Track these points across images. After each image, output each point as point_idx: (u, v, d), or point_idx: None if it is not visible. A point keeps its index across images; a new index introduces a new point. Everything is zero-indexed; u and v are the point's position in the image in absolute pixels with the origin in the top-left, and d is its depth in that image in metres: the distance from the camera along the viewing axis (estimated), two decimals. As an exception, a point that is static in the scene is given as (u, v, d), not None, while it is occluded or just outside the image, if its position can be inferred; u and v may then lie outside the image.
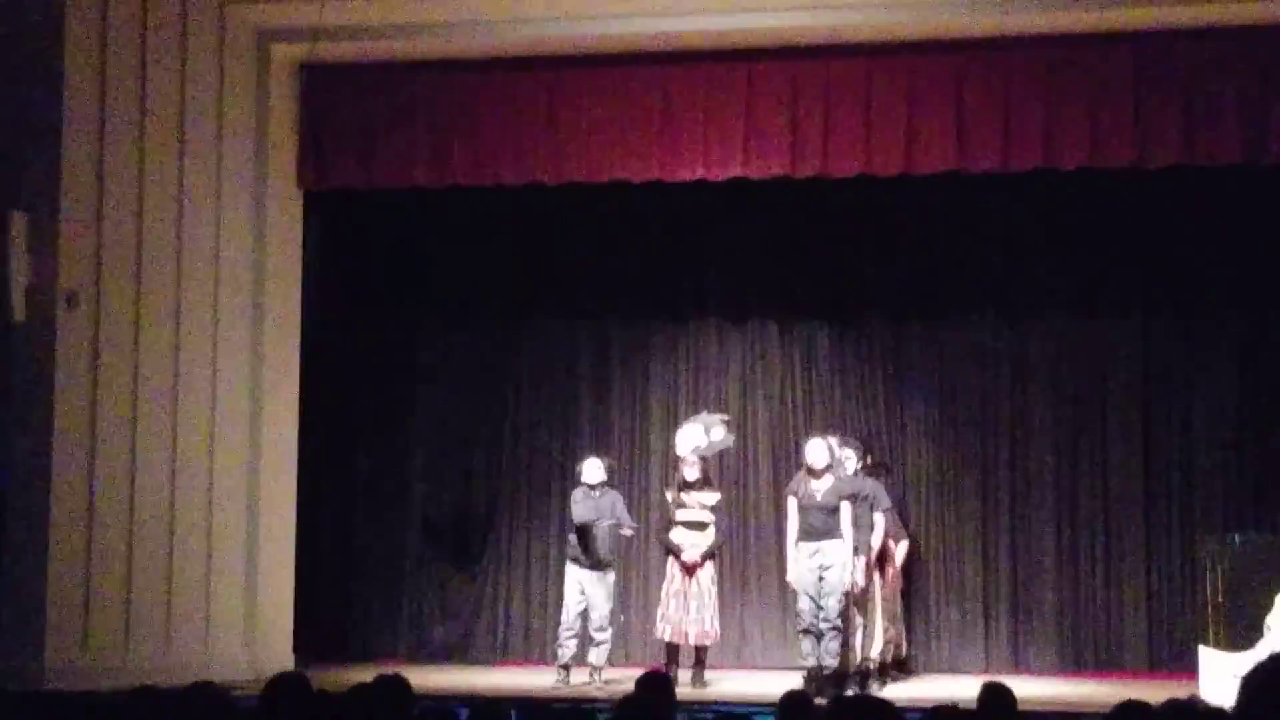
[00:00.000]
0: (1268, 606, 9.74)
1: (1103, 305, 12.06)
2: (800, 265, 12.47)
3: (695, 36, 11.14)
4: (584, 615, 10.99)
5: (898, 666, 11.40)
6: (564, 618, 11.04)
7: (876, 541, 10.91)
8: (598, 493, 11.09)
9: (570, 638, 10.99)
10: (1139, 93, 10.60)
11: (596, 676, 10.89)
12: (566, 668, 10.95)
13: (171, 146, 11.19)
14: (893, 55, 11.01)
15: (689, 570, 10.91)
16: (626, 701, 5.29)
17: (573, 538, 11.06)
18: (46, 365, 10.73)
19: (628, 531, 11.27)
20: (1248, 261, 11.73)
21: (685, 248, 12.65)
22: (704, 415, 11.49)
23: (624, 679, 9.93)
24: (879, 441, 12.10)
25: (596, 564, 11.00)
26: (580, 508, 11.01)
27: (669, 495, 11.22)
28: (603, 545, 11.01)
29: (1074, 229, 12.04)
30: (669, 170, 11.27)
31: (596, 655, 10.95)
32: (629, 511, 11.38)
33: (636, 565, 12.40)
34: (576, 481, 11.23)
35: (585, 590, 10.98)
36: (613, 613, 11.11)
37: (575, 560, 11.05)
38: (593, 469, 11.18)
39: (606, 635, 11.01)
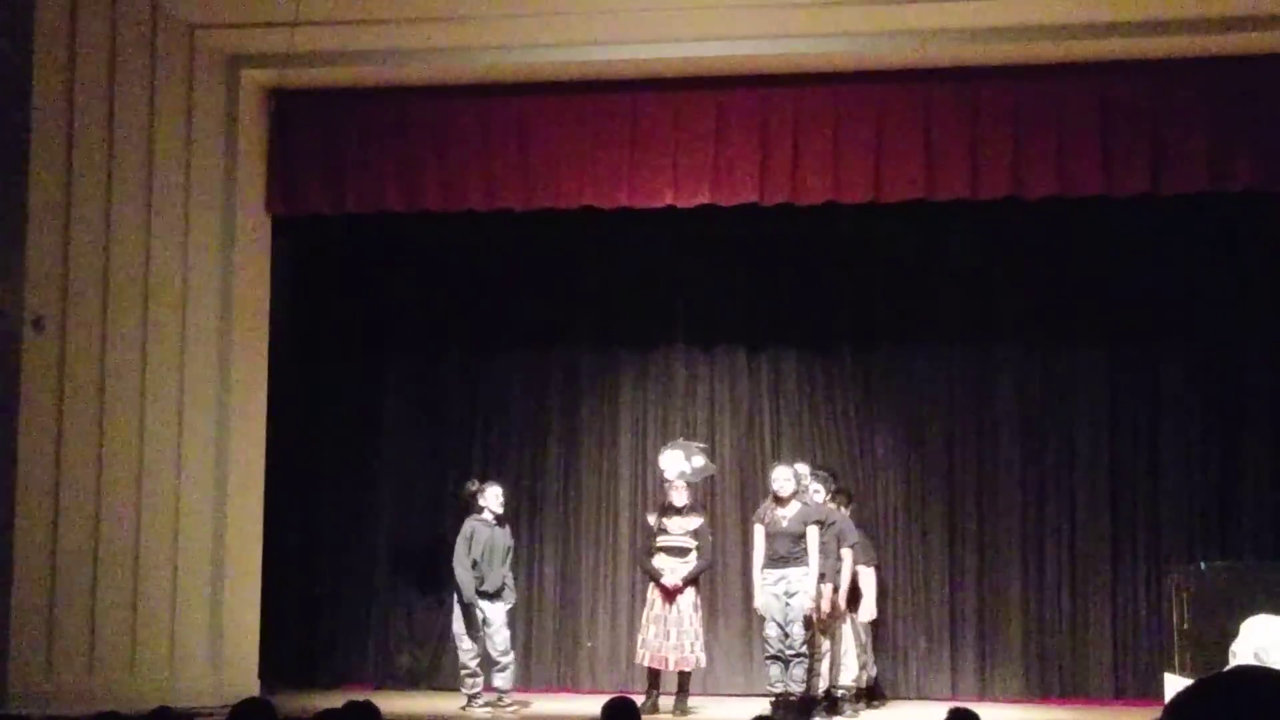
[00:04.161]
0: (1233, 633, 9.77)
1: (1069, 333, 12.12)
2: (769, 293, 12.50)
3: (665, 64, 11.17)
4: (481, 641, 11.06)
5: (866, 694, 11.40)
6: (468, 648, 11.07)
7: (845, 575, 10.90)
8: (494, 521, 11.17)
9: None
10: (1106, 123, 10.68)
11: (502, 700, 10.96)
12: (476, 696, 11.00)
13: (139, 171, 11.13)
14: (862, 84, 11.07)
15: (669, 595, 10.88)
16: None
17: (468, 570, 11.04)
18: (12, 389, 10.64)
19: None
20: (1213, 290, 11.81)
21: (654, 275, 12.67)
22: (682, 442, 11.50)
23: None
24: (846, 470, 12.11)
25: (497, 594, 11.07)
26: (480, 540, 11.05)
27: (651, 520, 11.20)
28: (504, 575, 11.12)
29: (1041, 258, 12.12)
30: (638, 197, 11.29)
31: (503, 680, 11.00)
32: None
33: (604, 591, 12.39)
34: (472, 508, 11.22)
35: (486, 616, 10.99)
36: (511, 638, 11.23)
37: (480, 590, 11.06)
38: (498, 498, 11.25)
39: (510, 659, 11.07)
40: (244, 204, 11.53)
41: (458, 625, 11.11)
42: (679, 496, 11.04)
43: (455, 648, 11.21)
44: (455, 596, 11.12)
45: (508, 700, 11.03)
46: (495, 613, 11.04)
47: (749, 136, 11.13)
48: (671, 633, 10.87)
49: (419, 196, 11.47)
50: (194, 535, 11.22)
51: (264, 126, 11.69)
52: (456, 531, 11.26)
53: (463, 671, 11.12)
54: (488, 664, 11.09)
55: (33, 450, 10.62)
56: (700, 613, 11.08)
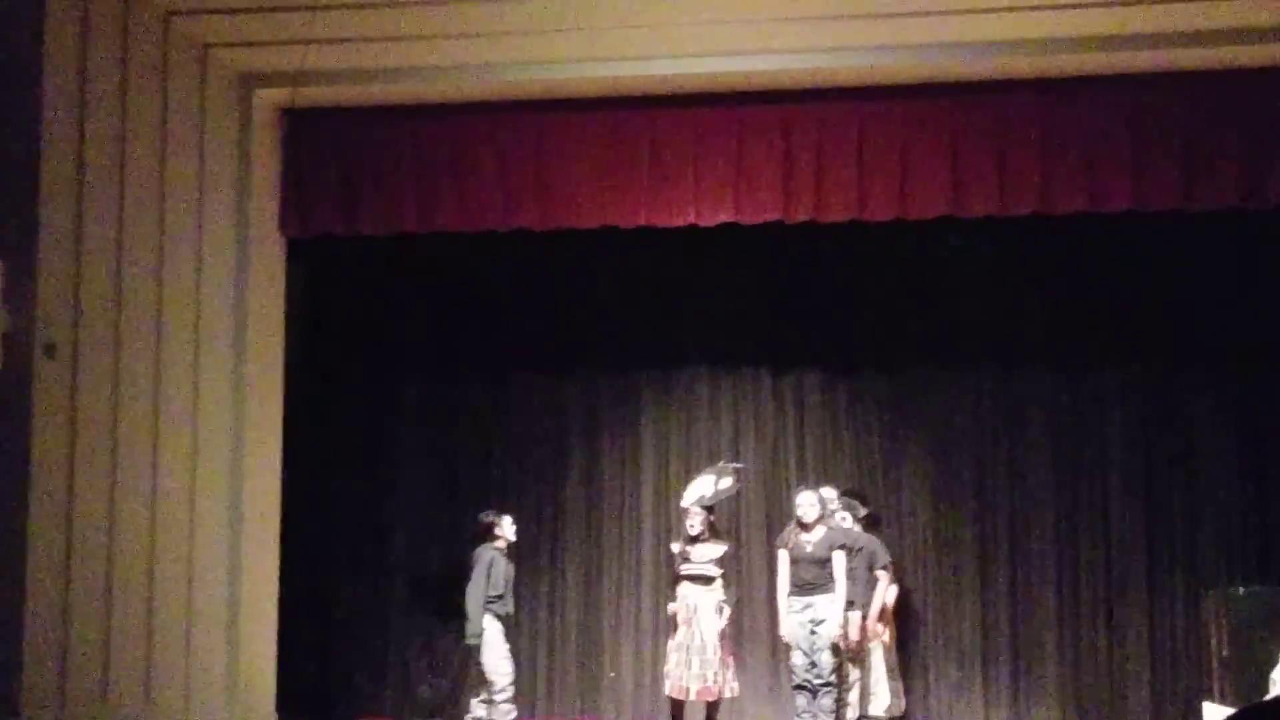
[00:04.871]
0: (1273, 660, 9.54)
1: (1102, 353, 11.88)
2: (792, 313, 12.30)
3: (685, 80, 10.98)
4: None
5: (898, 722, 11.18)
6: (508, 672, 10.97)
7: (877, 600, 10.67)
8: (508, 551, 11.17)
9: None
10: (1136, 137, 10.48)
11: None
12: None
13: (152, 192, 10.99)
14: (886, 99, 10.88)
15: (689, 623, 10.63)
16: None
17: (481, 603, 11.00)
18: (24, 416, 10.47)
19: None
20: (1248, 308, 11.56)
21: (675, 296, 12.48)
22: (718, 465, 11.31)
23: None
24: (872, 493, 11.88)
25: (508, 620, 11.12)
26: (499, 570, 11.03)
27: (675, 548, 10.99)
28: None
29: (1072, 276, 11.89)
30: (658, 216, 11.11)
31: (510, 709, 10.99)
32: None
33: (627, 620, 12.18)
34: (486, 535, 11.16)
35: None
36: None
37: (502, 619, 11.02)
38: (512, 527, 11.25)
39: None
40: (258, 225, 11.38)
41: (496, 653, 10.93)
42: (694, 525, 10.80)
43: (487, 677, 10.98)
44: (483, 624, 10.95)
45: None
46: (502, 640, 10.93)
47: (771, 153, 10.94)
48: (694, 661, 10.61)
49: (435, 216, 11.30)
50: (209, 563, 11.06)
51: (278, 147, 11.53)
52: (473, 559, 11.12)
53: (500, 697, 10.93)
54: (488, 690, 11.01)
55: (46, 477, 10.44)
56: (729, 641, 10.82)
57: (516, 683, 11.06)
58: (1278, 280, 11.52)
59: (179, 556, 10.95)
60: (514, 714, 10.95)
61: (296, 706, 11.45)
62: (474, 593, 10.99)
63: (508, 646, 11.03)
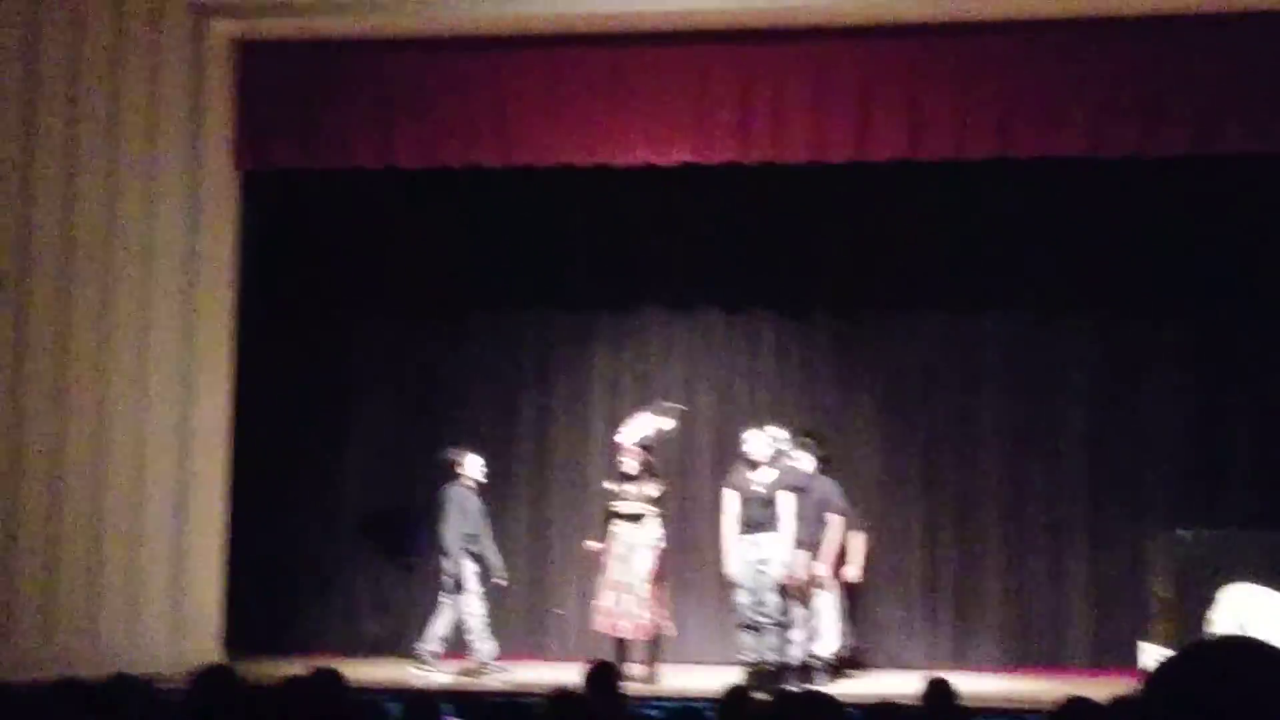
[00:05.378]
0: (1212, 602, 9.68)
1: (1053, 298, 11.96)
2: (748, 255, 12.31)
3: (644, 18, 10.95)
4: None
5: (842, 664, 11.26)
6: (482, 613, 11.00)
7: (831, 542, 10.74)
8: (478, 490, 11.18)
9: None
10: (1094, 81, 10.51)
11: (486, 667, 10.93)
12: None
13: (103, 125, 10.90)
14: (845, 40, 10.86)
15: (623, 559, 10.70)
16: (561, 695, 5.14)
17: (468, 537, 11.03)
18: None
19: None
20: (1201, 257, 11.67)
21: (630, 236, 12.47)
22: (659, 404, 11.33)
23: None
24: (825, 434, 11.94)
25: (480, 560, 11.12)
26: (473, 509, 11.06)
27: (607, 485, 11.03)
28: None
29: (1026, 222, 11.95)
30: (615, 154, 11.09)
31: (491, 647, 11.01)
32: None
33: (575, 558, 12.22)
34: (451, 475, 11.15)
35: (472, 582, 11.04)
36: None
37: (476, 557, 11.05)
38: (480, 467, 11.24)
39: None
40: (211, 159, 11.29)
41: (472, 585, 10.96)
42: (629, 464, 10.85)
43: (461, 613, 11.00)
44: (463, 559, 10.97)
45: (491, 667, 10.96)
46: (477, 582, 10.99)
47: (729, 93, 10.91)
48: (624, 599, 10.68)
49: (391, 152, 11.23)
50: (156, 499, 11.03)
51: (232, 80, 11.41)
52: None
53: (470, 635, 10.95)
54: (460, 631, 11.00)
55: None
56: (664, 580, 10.87)
57: (485, 620, 11.03)
58: (1226, 227, 11.63)
59: (126, 492, 10.93)
60: (495, 651, 10.95)
61: (244, 642, 11.40)
62: (448, 532, 11.00)
63: (483, 589, 11.02)
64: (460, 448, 11.34)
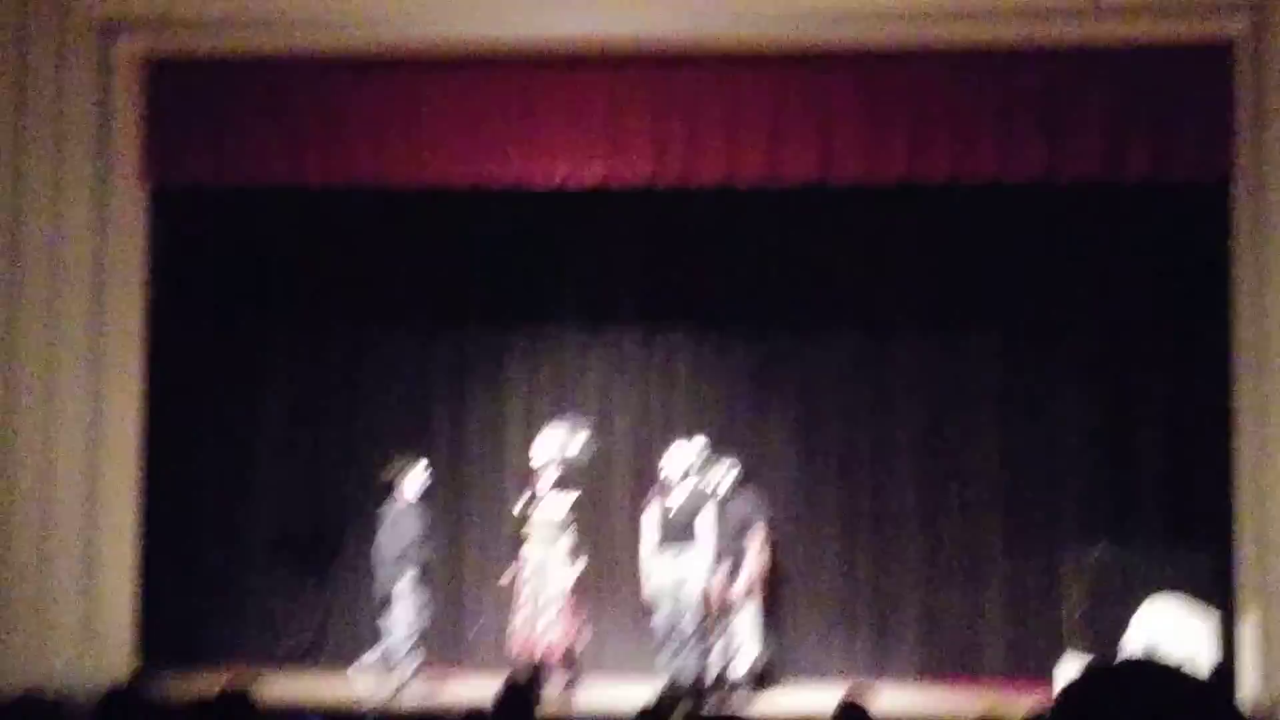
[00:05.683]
0: (1127, 615, 9.80)
1: (964, 315, 12.10)
2: (663, 275, 12.35)
3: (557, 41, 10.94)
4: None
5: (759, 677, 11.28)
6: (408, 625, 10.95)
7: (748, 563, 10.76)
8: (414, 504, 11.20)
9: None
10: (1002, 107, 10.65)
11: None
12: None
13: (8, 144, 10.78)
14: (758, 66, 10.92)
15: (532, 581, 10.73)
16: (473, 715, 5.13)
17: (418, 549, 11.00)
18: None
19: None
20: (1106, 274, 11.84)
21: (545, 255, 12.44)
22: (567, 420, 11.32)
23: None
24: (742, 451, 11.97)
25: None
26: (412, 524, 11.04)
27: (518, 508, 11.04)
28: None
29: (935, 243, 12.07)
30: (529, 175, 11.07)
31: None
32: None
33: (490, 575, 12.16)
34: (389, 491, 11.16)
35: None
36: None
37: (417, 572, 11.02)
38: (413, 482, 11.23)
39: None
40: (118, 176, 11.16)
41: (409, 599, 10.94)
42: (540, 481, 10.85)
43: (386, 625, 10.99)
44: (394, 577, 10.98)
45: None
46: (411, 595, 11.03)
47: (642, 116, 10.95)
48: (538, 622, 10.75)
49: (301, 169, 11.15)
50: (65, 511, 10.88)
51: (140, 97, 11.29)
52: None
53: (395, 656, 10.91)
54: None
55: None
56: (579, 592, 10.88)
57: (411, 638, 11.01)
58: (1135, 250, 11.82)
59: (34, 504, 10.79)
60: (416, 665, 10.93)
61: (161, 654, 11.31)
62: (376, 552, 11.03)
63: (418, 603, 11.01)
64: (399, 463, 11.31)
